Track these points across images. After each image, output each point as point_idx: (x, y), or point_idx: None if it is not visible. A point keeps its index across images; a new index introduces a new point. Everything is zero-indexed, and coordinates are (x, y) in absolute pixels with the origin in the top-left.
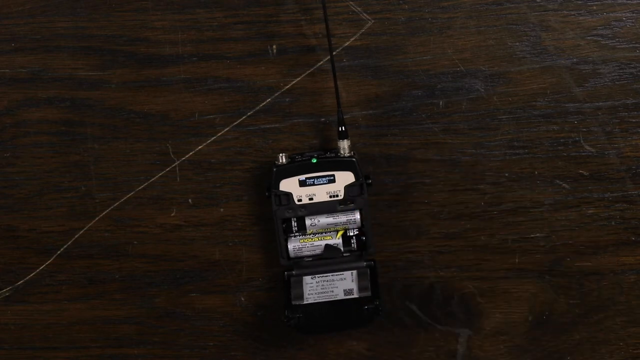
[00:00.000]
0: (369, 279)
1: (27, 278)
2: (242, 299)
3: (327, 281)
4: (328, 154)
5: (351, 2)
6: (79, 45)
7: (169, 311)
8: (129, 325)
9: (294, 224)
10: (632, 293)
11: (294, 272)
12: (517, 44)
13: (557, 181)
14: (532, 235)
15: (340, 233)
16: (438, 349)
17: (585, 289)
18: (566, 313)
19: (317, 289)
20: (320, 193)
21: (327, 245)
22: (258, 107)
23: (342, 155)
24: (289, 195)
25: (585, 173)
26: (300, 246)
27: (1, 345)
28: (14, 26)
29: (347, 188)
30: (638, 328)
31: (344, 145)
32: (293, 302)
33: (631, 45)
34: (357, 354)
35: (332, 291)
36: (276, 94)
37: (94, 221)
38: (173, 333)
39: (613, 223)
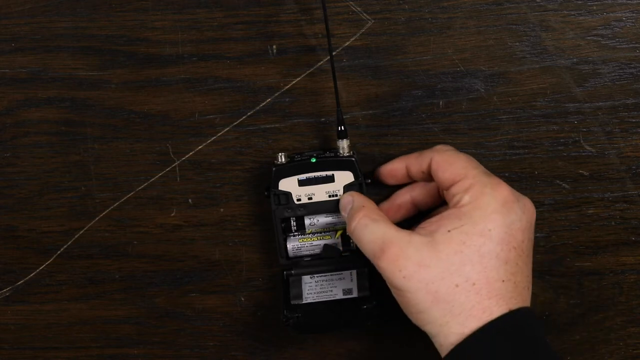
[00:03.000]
0: (368, 278)
1: (27, 278)
2: (242, 299)
3: (326, 281)
4: (327, 154)
5: (351, 2)
6: (79, 45)
7: (169, 311)
8: (129, 325)
9: (293, 223)
10: (632, 293)
11: (292, 272)
12: (517, 44)
13: (557, 181)
14: None
15: (339, 233)
16: None
17: (585, 289)
18: (566, 313)
19: (316, 288)
20: (320, 193)
21: (326, 245)
22: (258, 107)
23: (341, 155)
24: (288, 194)
25: (585, 173)
26: (299, 245)
27: (1, 345)
28: (14, 26)
29: (347, 187)
30: (638, 328)
31: (343, 144)
32: (292, 302)
33: (631, 45)
34: (357, 354)
35: (331, 291)
36: (276, 94)
37: (94, 221)
38: (173, 333)
39: (613, 223)
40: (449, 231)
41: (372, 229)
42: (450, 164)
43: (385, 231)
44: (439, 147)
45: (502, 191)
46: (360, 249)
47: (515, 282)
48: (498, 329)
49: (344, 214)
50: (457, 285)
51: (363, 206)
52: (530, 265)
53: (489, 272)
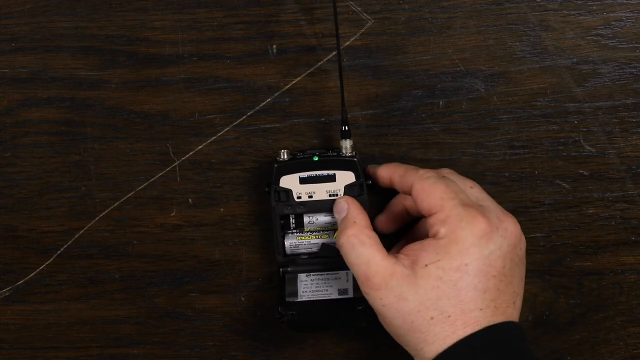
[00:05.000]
0: None
1: (27, 278)
2: (242, 298)
3: (322, 280)
4: (330, 153)
5: (351, 2)
6: (79, 45)
7: (169, 311)
8: (129, 325)
9: (292, 220)
10: (632, 293)
11: (289, 269)
12: (517, 44)
13: (557, 181)
14: (532, 235)
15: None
16: None
17: (585, 289)
18: (566, 313)
19: (311, 287)
20: (320, 191)
21: (323, 244)
22: (258, 107)
23: (343, 155)
24: (288, 191)
25: (585, 173)
26: (297, 243)
27: (1, 345)
28: (14, 26)
29: (347, 187)
30: (638, 328)
31: (346, 144)
32: (287, 299)
33: (631, 45)
34: (357, 354)
35: (327, 290)
36: (276, 94)
37: (94, 221)
38: (173, 333)
39: (613, 223)
40: (426, 265)
41: (359, 252)
42: (427, 195)
43: (370, 257)
44: (421, 172)
45: (479, 224)
46: (347, 264)
47: (495, 306)
48: (466, 344)
49: (337, 217)
50: (432, 318)
51: (354, 222)
52: (516, 281)
53: (466, 304)
